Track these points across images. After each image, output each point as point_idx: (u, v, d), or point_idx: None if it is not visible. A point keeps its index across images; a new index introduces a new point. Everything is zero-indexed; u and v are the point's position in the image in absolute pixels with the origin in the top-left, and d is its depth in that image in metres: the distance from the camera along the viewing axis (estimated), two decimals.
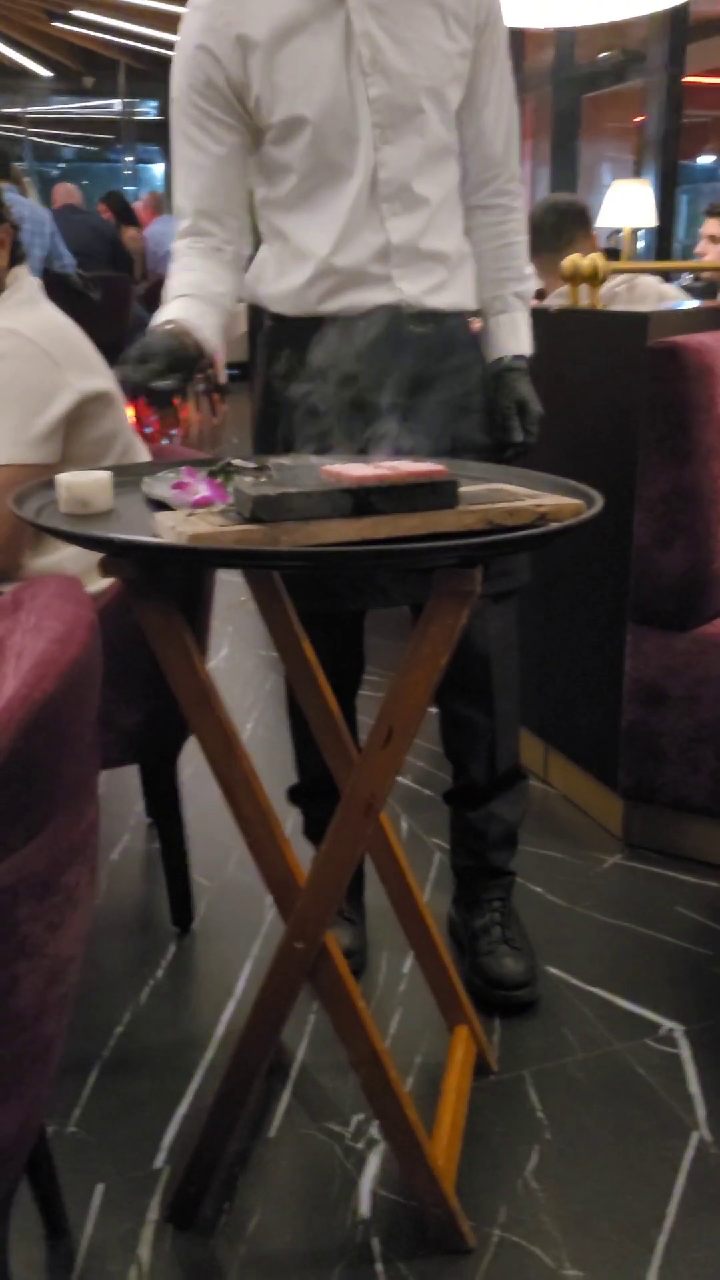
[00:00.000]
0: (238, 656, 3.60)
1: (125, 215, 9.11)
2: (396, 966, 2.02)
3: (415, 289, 1.72)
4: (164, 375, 1.51)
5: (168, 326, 1.59)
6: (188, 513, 1.24)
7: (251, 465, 1.50)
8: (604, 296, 2.91)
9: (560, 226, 3.25)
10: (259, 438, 1.86)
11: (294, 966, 1.36)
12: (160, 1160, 1.59)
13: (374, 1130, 1.64)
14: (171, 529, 1.15)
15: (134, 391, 1.52)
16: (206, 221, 1.72)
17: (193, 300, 1.66)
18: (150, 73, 12.70)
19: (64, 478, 1.34)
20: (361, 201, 1.67)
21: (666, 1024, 1.86)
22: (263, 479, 1.39)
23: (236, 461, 1.52)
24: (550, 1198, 1.52)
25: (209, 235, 1.72)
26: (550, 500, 1.24)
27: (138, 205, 9.96)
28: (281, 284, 1.75)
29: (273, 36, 1.62)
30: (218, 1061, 1.78)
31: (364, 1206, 1.51)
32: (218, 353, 1.66)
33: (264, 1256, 1.44)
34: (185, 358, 1.54)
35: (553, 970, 2.01)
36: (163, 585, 1.26)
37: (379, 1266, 1.42)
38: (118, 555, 1.21)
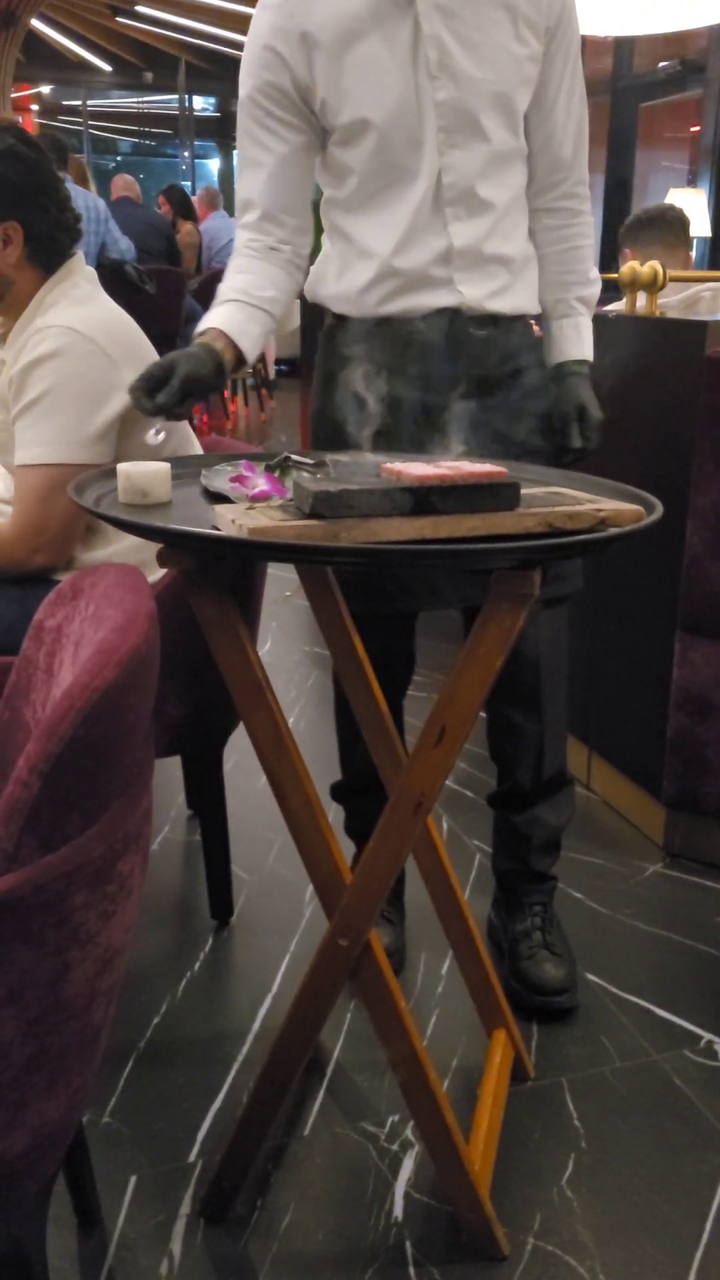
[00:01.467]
0: (281, 651, 3.60)
1: (185, 210, 9.14)
2: (435, 967, 2.01)
3: (477, 293, 1.71)
4: (177, 404, 1.49)
5: (201, 338, 1.60)
6: (247, 506, 1.24)
7: (310, 461, 1.49)
8: (688, 301, 2.89)
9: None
10: (315, 434, 1.85)
11: (337, 964, 1.35)
12: (194, 1154, 1.60)
13: (409, 1132, 1.63)
14: (232, 522, 1.15)
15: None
16: (266, 220, 1.72)
17: (238, 306, 1.66)
18: (210, 70, 12.76)
19: (124, 467, 1.34)
20: (426, 205, 1.66)
21: (706, 1035, 1.84)
22: (320, 475, 1.39)
23: (295, 457, 1.52)
24: (586, 1207, 1.51)
25: (268, 233, 1.72)
26: (610, 505, 1.23)
27: (194, 200, 10.00)
28: (343, 284, 1.74)
29: (340, 38, 1.61)
30: (253, 1056, 1.78)
31: (397, 1208, 1.51)
32: (268, 350, 1.66)
33: (295, 1255, 1.43)
34: (203, 382, 1.52)
35: (592, 977, 1.99)
36: (219, 577, 1.26)
37: (411, 1270, 1.41)
38: (177, 546, 1.21)
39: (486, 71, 1.64)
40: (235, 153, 1.76)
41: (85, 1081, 1.00)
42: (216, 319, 1.63)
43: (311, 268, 1.82)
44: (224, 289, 1.70)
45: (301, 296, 1.88)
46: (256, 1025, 1.86)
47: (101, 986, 0.97)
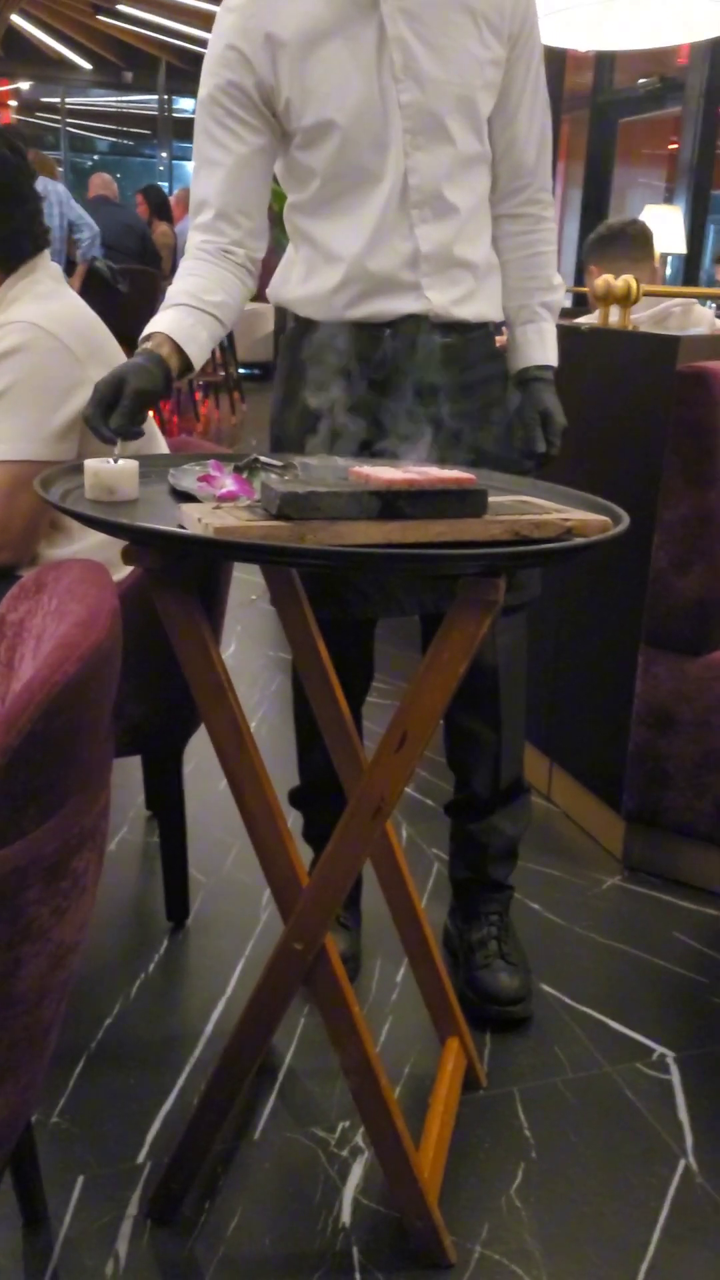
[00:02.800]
0: (245, 655, 3.60)
1: (161, 210, 9.13)
2: (390, 974, 2.01)
3: (443, 299, 1.71)
4: (132, 422, 1.45)
5: (147, 344, 1.56)
6: (214, 506, 1.23)
7: (278, 463, 1.49)
8: (657, 316, 2.91)
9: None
10: (277, 437, 1.85)
11: (291, 968, 1.35)
12: (143, 1155, 1.58)
13: (359, 1138, 1.63)
14: (198, 521, 1.14)
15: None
16: (221, 220, 1.71)
17: (187, 311, 1.63)
18: (190, 71, 12.74)
19: (92, 464, 1.34)
20: (391, 207, 1.67)
21: (658, 1049, 1.85)
22: (289, 477, 1.39)
23: (264, 458, 1.52)
24: (533, 1217, 1.51)
25: (222, 234, 1.71)
26: (577, 515, 1.24)
27: (171, 200, 9.98)
28: (309, 287, 1.74)
29: (305, 39, 1.61)
30: (205, 1059, 1.77)
31: (345, 1214, 1.50)
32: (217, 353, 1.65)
33: (242, 1258, 1.43)
34: (153, 394, 1.49)
35: (546, 988, 2.00)
36: (184, 576, 1.25)
37: (357, 1276, 1.41)
38: (143, 543, 1.20)
39: (450, 74, 1.64)
40: (195, 152, 1.74)
41: (34, 1079, 0.99)
42: (164, 323, 1.61)
43: (276, 272, 1.82)
44: (173, 291, 1.68)
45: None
46: (210, 1028, 1.85)
47: (52, 983, 0.96)
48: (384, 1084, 1.37)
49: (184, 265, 1.72)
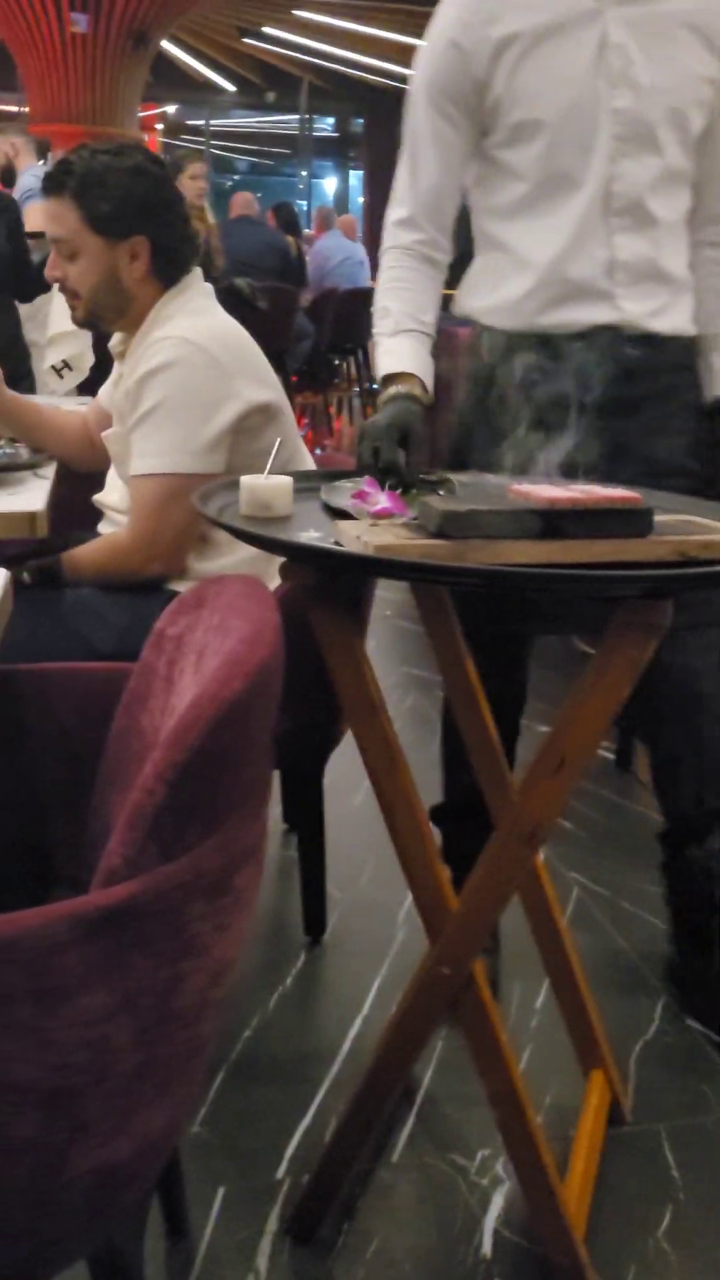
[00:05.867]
0: (379, 672, 3.57)
1: (290, 227, 9.25)
2: (529, 1000, 1.97)
3: (638, 309, 1.67)
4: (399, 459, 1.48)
5: (400, 386, 1.60)
6: (371, 523, 1.23)
7: (433, 478, 1.48)
8: None
9: None
10: (453, 451, 1.83)
11: (437, 992, 1.33)
12: (282, 1170, 1.58)
13: (499, 1167, 1.60)
14: (356, 538, 1.14)
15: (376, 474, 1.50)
16: (428, 221, 1.72)
17: (420, 341, 1.67)
18: (330, 90, 12.92)
19: (248, 480, 1.35)
20: (592, 214, 1.64)
21: None
22: (442, 493, 1.38)
23: (422, 475, 1.51)
24: (683, 1262, 1.46)
25: (426, 239, 1.72)
26: None
27: (314, 215, 10.10)
28: (497, 295, 1.72)
29: (527, 37, 1.61)
30: (342, 1076, 1.76)
31: (486, 1245, 1.47)
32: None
33: None
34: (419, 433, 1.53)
35: (693, 1024, 1.93)
36: (339, 593, 1.25)
37: None
38: (302, 560, 1.20)
39: (667, 84, 1.63)
40: (404, 145, 1.74)
41: (191, 1092, 0.99)
42: (405, 362, 1.64)
43: (461, 285, 1.81)
44: (397, 310, 1.70)
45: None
46: (346, 1046, 1.85)
47: (211, 999, 0.97)
48: (530, 1115, 1.34)
49: (393, 271, 1.73)
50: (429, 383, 1.64)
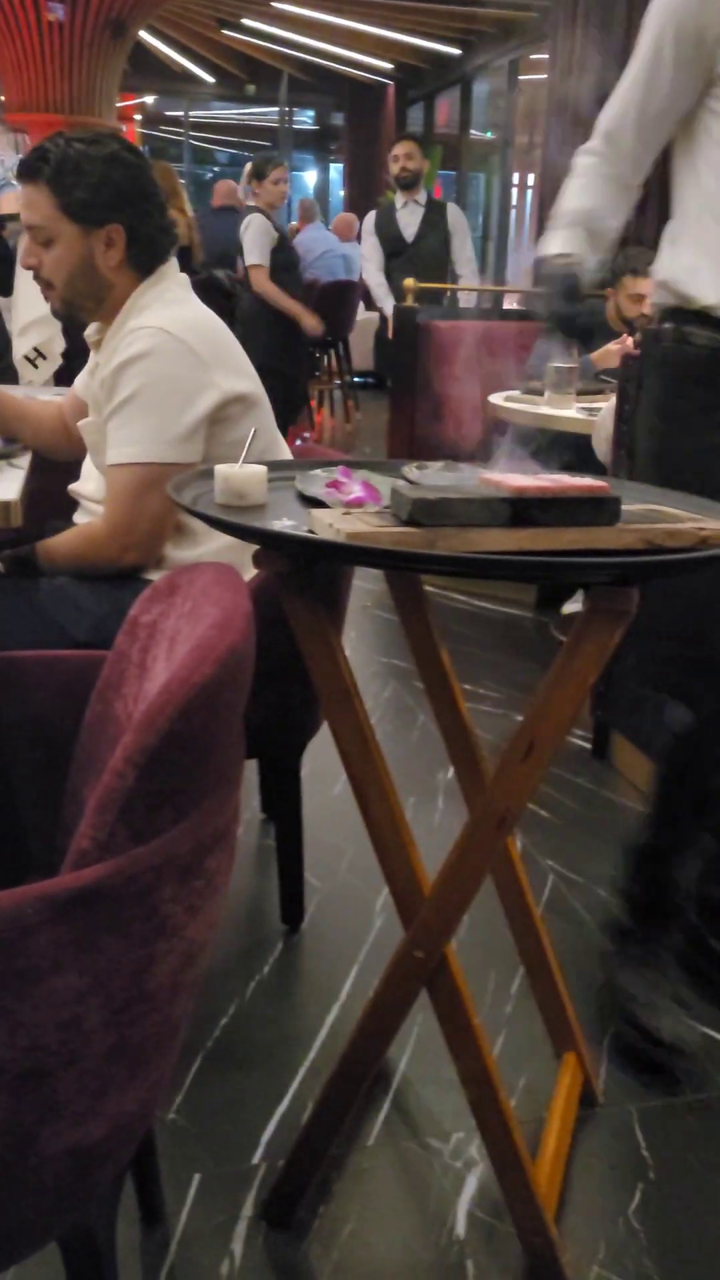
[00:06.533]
0: (359, 662, 3.60)
1: None
2: (504, 985, 1.99)
3: None
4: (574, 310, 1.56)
5: (560, 261, 1.67)
6: (344, 511, 1.24)
7: (415, 469, 1.49)
8: None
9: None
10: (653, 458, 1.77)
11: (412, 975, 1.34)
12: (258, 1156, 1.59)
13: (474, 1149, 1.61)
14: (329, 526, 1.15)
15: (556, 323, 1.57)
16: (620, 147, 1.73)
17: (582, 233, 1.72)
18: (310, 83, 12.87)
19: (222, 469, 1.35)
20: None
21: None
22: (418, 483, 1.39)
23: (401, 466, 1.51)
24: (653, 1240, 1.48)
25: (617, 159, 1.73)
26: (713, 524, 1.21)
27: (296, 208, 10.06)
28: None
29: None
30: (319, 1062, 1.78)
31: (460, 1226, 1.49)
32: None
33: (356, 1264, 1.43)
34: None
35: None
36: (313, 581, 1.26)
37: None
38: (275, 547, 1.21)
39: None
40: (637, 63, 1.72)
41: (163, 1074, 1.00)
42: (565, 244, 1.72)
43: (660, 258, 1.75)
44: (570, 205, 1.75)
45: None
46: (323, 1032, 1.86)
47: (184, 981, 0.98)
48: (503, 1097, 1.35)
49: (579, 179, 1.77)
50: (577, 256, 1.71)
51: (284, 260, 5.74)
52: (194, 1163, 1.58)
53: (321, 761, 2.15)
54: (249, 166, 5.84)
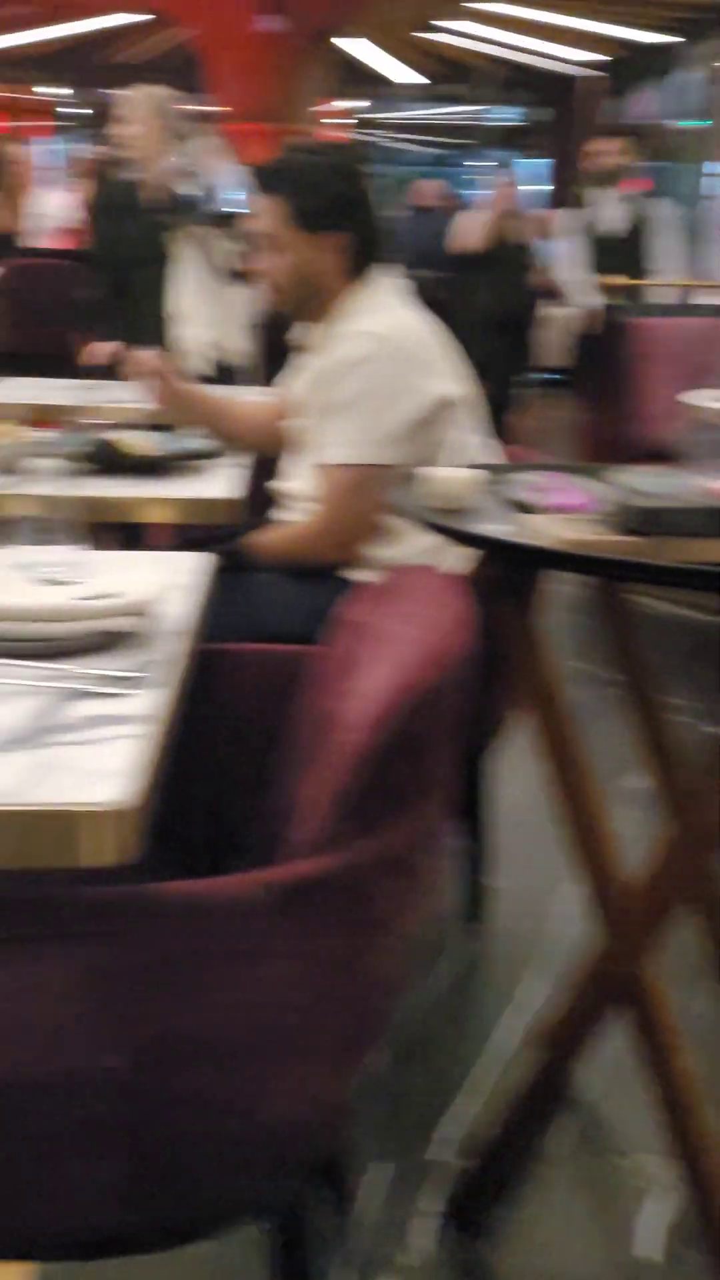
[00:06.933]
0: None
1: None
2: (689, 1002, 1.93)
3: None
4: None
5: None
6: (560, 518, 1.23)
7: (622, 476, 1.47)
8: None
9: None
10: None
11: (608, 988, 1.33)
12: (445, 1153, 1.60)
13: (666, 1171, 1.57)
14: (549, 534, 1.15)
15: None
16: None
17: None
18: (511, 80, 12.81)
19: (434, 473, 1.37)
20: None
21: None
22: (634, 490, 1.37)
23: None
24: None
25: None
26: None
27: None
28: None
29: None
30: (493, 1061, 1.77)
31: (646, 1249, 1.46)
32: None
33: (536, 1272, 1.42)
34: None
35: None
36: (523, 585, 1.26)
37: None
38: (493, 553, 1.22)
39: None
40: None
41: (364, 1063, 1.02)
42: None
43: None
44: None
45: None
46: (509, 1035, 1.85)
47: (389, 974, 0.99)
48: (704, 1118, 1.32)
49: None
50: None
51: None
52: (383, 1154, 1.59)
53: (507, 763, 2.14)
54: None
